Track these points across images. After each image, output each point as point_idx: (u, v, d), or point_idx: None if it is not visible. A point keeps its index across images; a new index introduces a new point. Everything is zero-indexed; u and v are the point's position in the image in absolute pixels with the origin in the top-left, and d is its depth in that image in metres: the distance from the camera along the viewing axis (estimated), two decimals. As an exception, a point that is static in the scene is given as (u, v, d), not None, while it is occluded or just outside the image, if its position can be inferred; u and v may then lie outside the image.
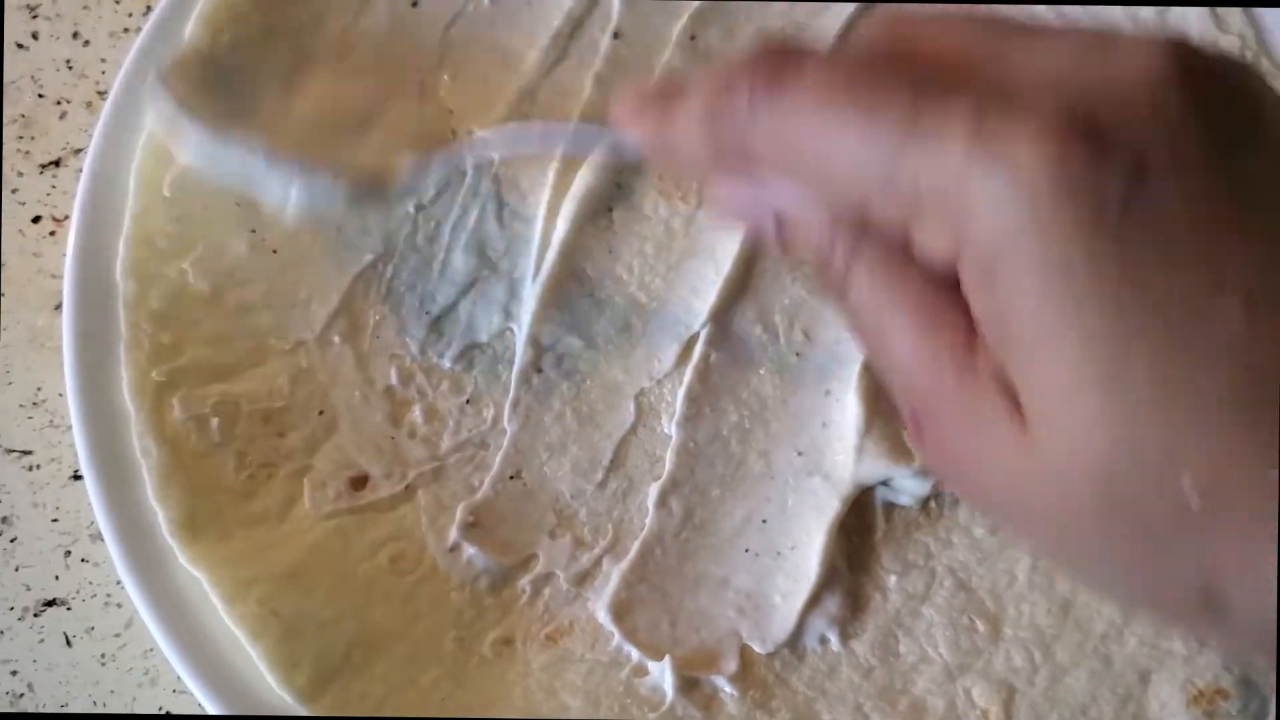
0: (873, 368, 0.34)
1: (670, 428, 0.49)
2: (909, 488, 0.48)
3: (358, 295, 0.50)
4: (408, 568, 0.46)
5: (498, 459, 0.48)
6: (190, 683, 0.43)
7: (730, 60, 0.32)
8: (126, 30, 0.56)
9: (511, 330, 0.50)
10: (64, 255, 0.48)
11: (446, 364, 0.50)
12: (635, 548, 0.47)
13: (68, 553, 0.49)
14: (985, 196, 0.28)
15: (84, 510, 0.48)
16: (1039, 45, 0.31)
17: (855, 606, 0.47)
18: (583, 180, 0.52)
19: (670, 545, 0.47)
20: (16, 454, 0.50)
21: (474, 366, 0.50)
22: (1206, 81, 0.29)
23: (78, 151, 0.54)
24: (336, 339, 0.50)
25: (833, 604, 0.46)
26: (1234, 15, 0.55)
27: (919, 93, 0.29)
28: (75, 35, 0.56)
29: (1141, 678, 0.45)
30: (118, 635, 0.48)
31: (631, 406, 0.49)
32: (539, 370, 0.49)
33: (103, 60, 0.56)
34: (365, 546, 0.46)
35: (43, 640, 0.48)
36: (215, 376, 0.48)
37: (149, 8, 0.56)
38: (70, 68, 0.56)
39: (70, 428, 0.46)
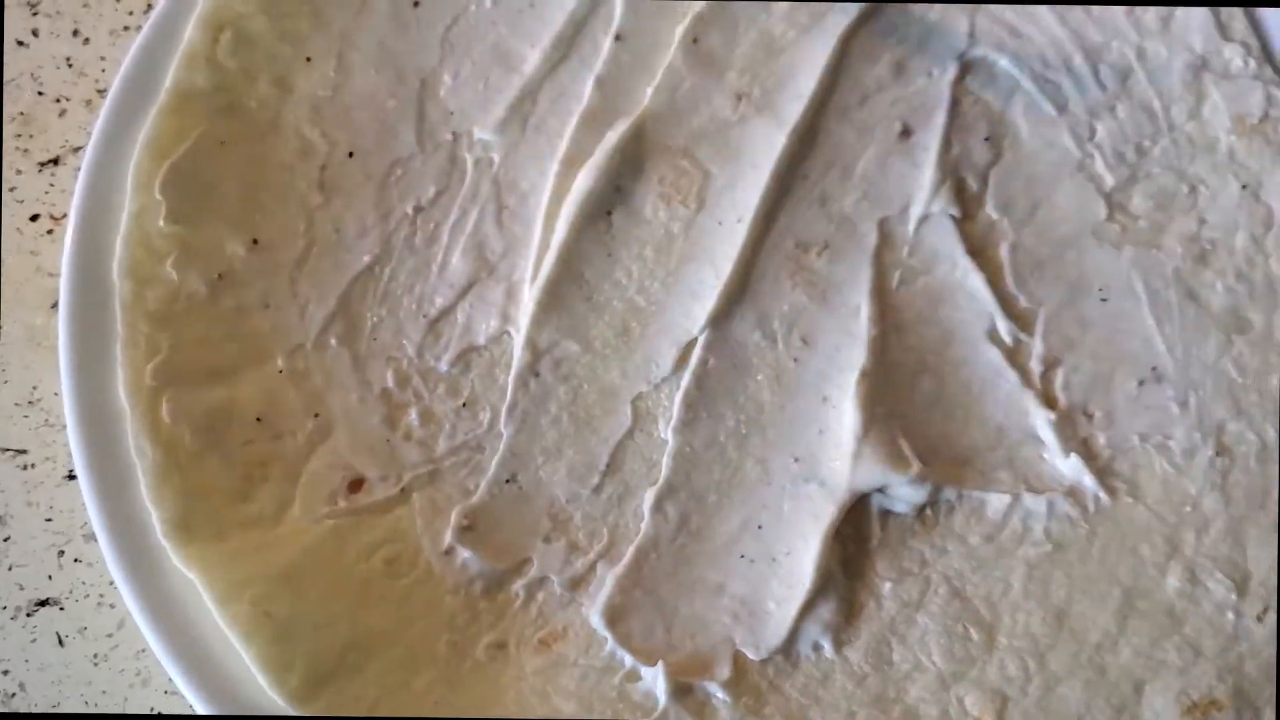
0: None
1: (667, 433, 0.49)
2: (905, 495, 0.48)
3: (355, 297, 0.50)
4: (402, 571, 0.46)
5: (494, 463, 0.48)
6: (181, 684, 0.43)
7: None
8: (127, 28, 0.56)
9: (509, 334, 0.50)
10: (62, 254, 0.48)
11: (444, 367, 0.49)
12: (630, 553, 0.47)
13: (61, 553, 0.49)
14: None
15: (78, 510, 0.48)
16: None
17: (849, 613, 0.47)
18: (582, 183, 0.51)
19: (665, 551, 0.47)
20: (11, 453, 0.50)
21: (471, 370, 0.50)
22: None
23: (77, 150, 0.54)
24: (333, 341, 0.49)
25: (827, 611, 0.46)
26: (1237, 22, 0.54)
27: None
28: (75, 33, 0.56)
29: (1136, 688, 0.45)
30: (110, 635, 0.48)
31: (628, 411, 0.49)
32: (536, 374, 0.49)
33: (102, 58, 0.56)
34: (360, 549, 0.46)
35: (35, 640, 0.48)
36: (211, 378, 0.48)
37: (149, 6, 0.56)
38: (70, 65, 0.56)
39: (65, 427, 0.46)
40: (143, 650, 0.47)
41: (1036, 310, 0.51)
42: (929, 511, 0.48)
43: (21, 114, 0.54)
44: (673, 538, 0.48)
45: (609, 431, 0.49)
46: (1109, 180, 0.53)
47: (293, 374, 0.49)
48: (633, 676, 0.45)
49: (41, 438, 0.50)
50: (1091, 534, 0.47)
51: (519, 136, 0.53)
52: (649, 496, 0.48)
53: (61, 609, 0.48)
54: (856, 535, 0.48)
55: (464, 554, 0.47)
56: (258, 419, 0.48)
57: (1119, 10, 0.54)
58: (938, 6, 0.55)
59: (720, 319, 0.50)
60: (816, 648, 0.46)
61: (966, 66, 0.54)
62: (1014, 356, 0.50)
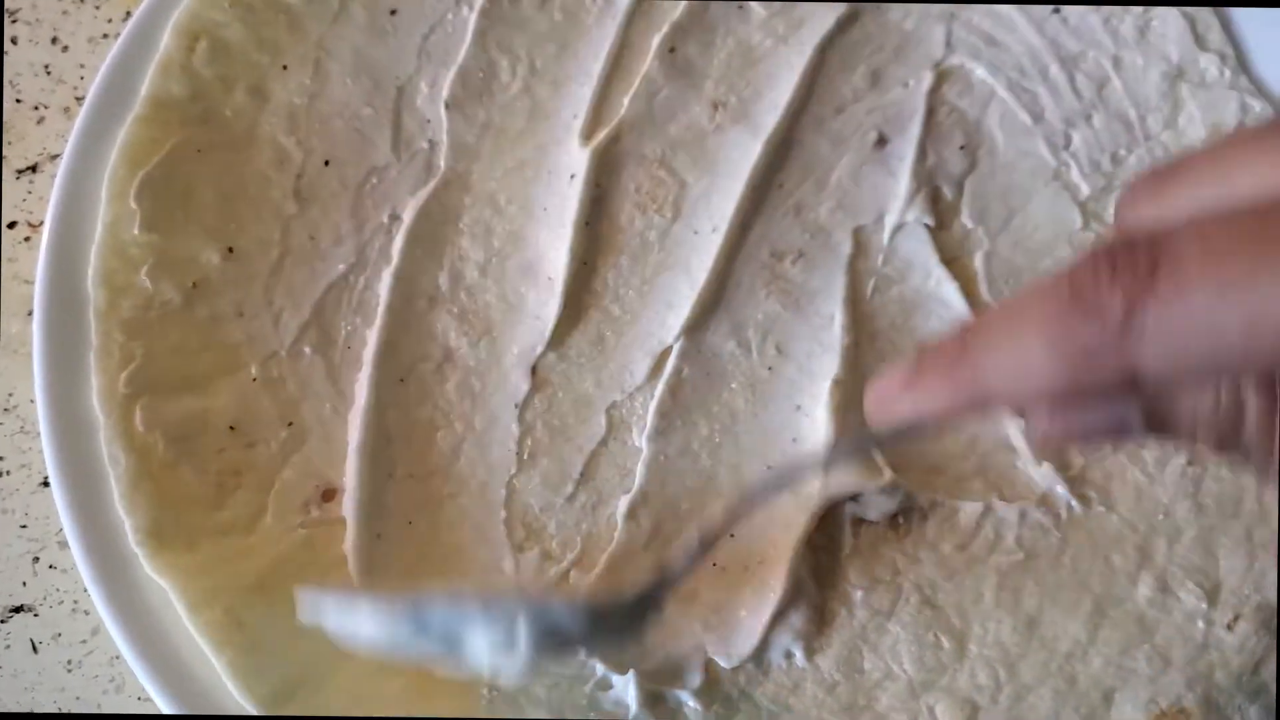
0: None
1: (641, 441, 0.49)
2: (877, 503, 0.48)
3: (329, 306, 0.50)
4: (374, 580, 0.46)
5: (470, 471, 0.48)
6: (152, 691, 0.43)
7: (1042, 282, 0.27)
8: (106, 36, 0.56)
9: (485, 341, 0.50)
10: (38, 261, 0.48)
11: (416, 373, 0.49)
12: (603, 561, 0.47)
13: (36, 559, 0.49)
14: None
15: (53, 517, 0.48)
16: None
17: (821, 622, 0.47)
18: (557, 193, 0.52)
19: (638, 559, 0.47)
20: (-14, 460, 0.50)
21: (447, 378, 0.50)
22: None
23: (54, 157, 0.54)
24: (307, 350, 0.50)
25: (798, 619, 0.46)
26: (1213, 32, 0.55)
27: None
28: (54, 40, 0.56)
29: (1105, 697, 0.45)
30: (84, 642, 0.48)
31: (603, 420, 0.49)
32: (508, 382, 0.49)
33: (81, 65, 0.56)
34: (334, 558, 0.46)
35: (9, 646, 0.48)
36: (185, 386, 0.48)
37: (129, 13, 0.56)
38: (49, 73, 0.56)
39: (40, 434, 0.46)
40: (117, 657, 0.47)
41: (1010, 319, 0.51)
42: (901, 520, 0.48)
43: (-1, 121, 0.55)
44: (645, 546, 0.48)
45: (583, 440, 0.49)
46: (1084, 189, 0.53)
47: (266, 382, 0.49)
48: (604, 685, 0.45)
49: (16, 444, 0.50)
50: (1063, 543, 0.48)
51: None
52: (622, 504, 0.48)
53: (36, 615, 0.49)
54: (829, 544, 0.48)
55: (435, 564, 0.47)
56: (231, 427, 0.48)
57: (1096, 19, 0.54)
58: (914, 14, 0.55)
59: (695, 328, 0.51)
60: (788, 656, 0.46)
61: (942, 75, 0.54)
62: (987, 365, 0.50)
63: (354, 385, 0.49)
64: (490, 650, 0.36)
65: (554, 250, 0.51)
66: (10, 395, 0.51)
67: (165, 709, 0.43)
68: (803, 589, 0.47)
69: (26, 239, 0.53)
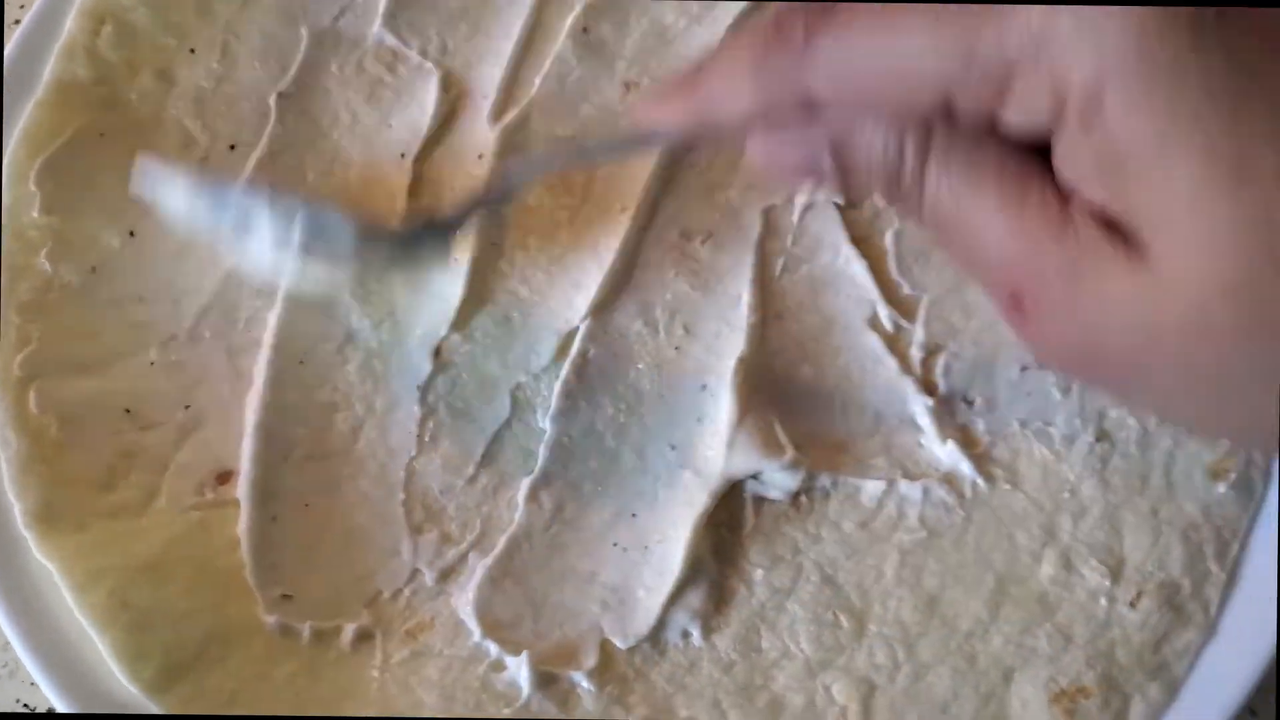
0: (960, 266, 0.35)
1: (545, 422, 0.48)
2: (779, 481, 0.47)
3: (230, 289, 0.50)
4: (269, 561, 0.46)
5: (369, 453, 0.48)
6: (35, 674, 0.43)
7: (757, 23, 0.33)
8: (18, 21, 0.56)
9: (387, 323, 0.50)
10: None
11: (318, 355, 0.49)
12: (502, 543, 0.47)
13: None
14: (1083, 38, 0.28)
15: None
16: None
17: (720, 601, 0.46)
18: (465, 173, 0.51)
19: (538, 540, 0.47)
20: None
21: (348, 361, 0.49)
22: None
23: (-40, 143, 0.54)
24: (207, 334, 0.49)
25: (696, 598, 0.46)
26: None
27: None
28: (-34, 27, 0.56)
29: (1005, 676, 0.45)
30: (-24, 629, 0.48)
31: (507, 401, 0.49)
32: (409, 363, 0.49)
33: (-8, 52, 0.55)
34: (227, 541, 0.46)
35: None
36: (81, 369, 0.48)
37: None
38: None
39: (-70, 419, 0.46)
40: (8, 642, 0.46)
41: (920, 297, 0.50)
42: (804, 498, 0.48)
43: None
44: (546, 527, 0.47)
45: (486, 421, 0.49)
46: (997, 167, 0.52)
47: (165, 366, 0.49)
48: (497, 666, 0.45)
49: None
50: (967, 521, 0.47)
51: (404, 127, 0.53)
52: (524, 486, 0.48)
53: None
54: (730, 522, 0.47)
55: (332, 546, 0.46)
56: (127, 410, 0.47)
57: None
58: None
59: (603, 308, 0.50)
60: (685, 635, 0.46)
61: (856, 54, 0.53)
62: (894, 343, 0.50)
63: (253, 368, 0.49)
64: (269, 242, 0.41)
65: (460, 231, 0.50)
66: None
67: (47, 692, 0.43)
68: (702, 568, 0.46)
69: (-68, 225, 0.53)
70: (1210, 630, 0.45)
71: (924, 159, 0.33)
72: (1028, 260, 0.32)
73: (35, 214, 0.49)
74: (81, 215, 0.50)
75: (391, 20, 0.54)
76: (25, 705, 0.48)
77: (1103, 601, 0.46)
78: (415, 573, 0.47)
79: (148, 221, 0.50)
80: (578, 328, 0.49)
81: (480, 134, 0.52)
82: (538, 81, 0.53)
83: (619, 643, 0.45)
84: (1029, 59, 0.29)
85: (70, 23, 0.52)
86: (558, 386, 0.49)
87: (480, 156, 0.52)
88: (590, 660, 0.45)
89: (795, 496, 0.47)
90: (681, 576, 0.46)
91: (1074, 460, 0.47)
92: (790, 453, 0.47)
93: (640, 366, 0.50)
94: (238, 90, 0.53)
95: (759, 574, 0.47)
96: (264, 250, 0.41)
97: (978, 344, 0.49)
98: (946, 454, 0.48)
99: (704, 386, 0.49)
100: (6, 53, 0.51)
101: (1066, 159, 0.31)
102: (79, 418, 0.47)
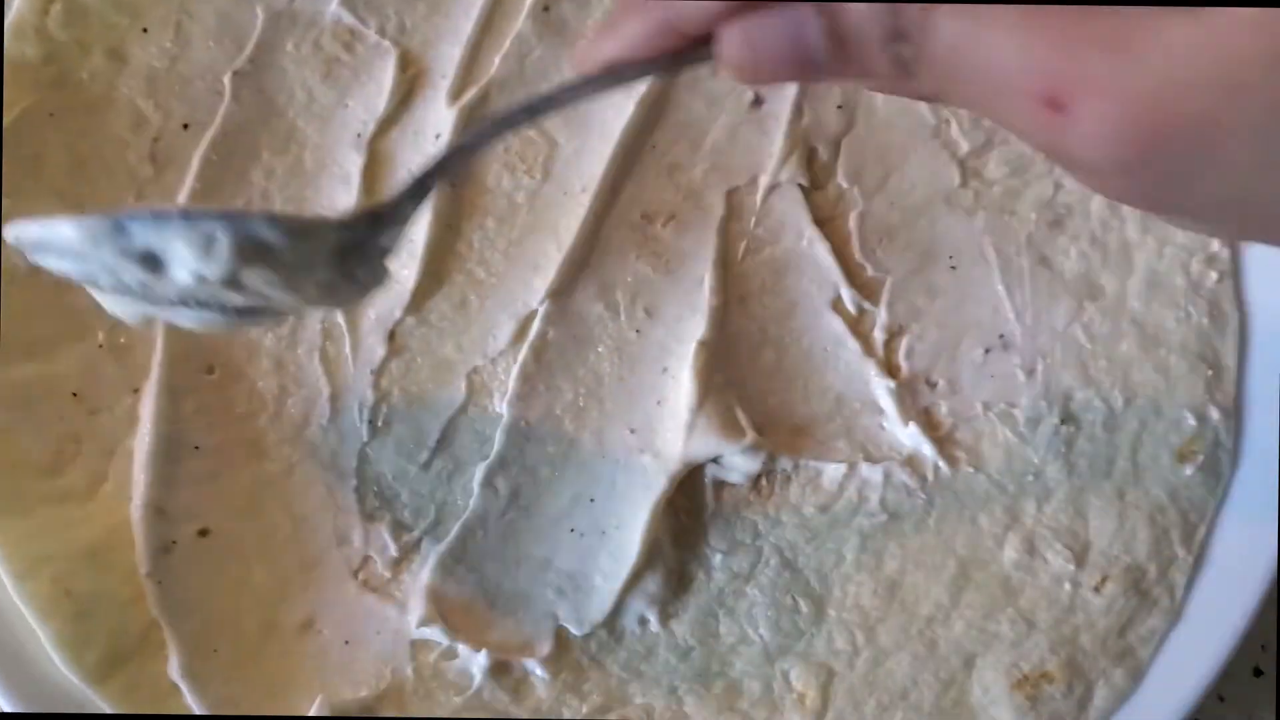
0: (978, 108, 0.31)
1: (502, 406, 0.48)
2: (739, 465, 0.46)
3: (181, 269, 0.49)
4: (214, 545, 0.45)
5: (321, 438, 0.47)
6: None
7: None
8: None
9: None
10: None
11: (269, 341, 0.48)
12: (455, 529, 0.46)
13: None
14: None
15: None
16: None
17: (678, 586, 0.46)
18: (422, 153, 0.50)
19: (493, 526, 0.46)
20: None
21: (299, 345, 0.48)
22: None
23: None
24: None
25: (654, 584, 0.45)
26: None
27: None
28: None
29: (966, 662, 0.44)
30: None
31: (463, 385, 0.48)
32: (362, 346, 0.48)
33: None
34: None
35: None
36: (27, 353, 0.47)
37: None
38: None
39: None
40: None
41: (883, 279, 0.50)
42: (764, 482, 0.47)
43: None
44: (502, 513, 0.46)
45: (441, 406, 0.48)
46: (964, 146, 0.51)
47: (113, 349, 0.48)
48: (449, 654, 0.44)
49: None
50: (929, 504, 0.46)
51: (361, 107, 0.52)
52: (479, 472, 0.47)
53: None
54: (690, 507, 0.47)
55: (283, 533, 0.45)
56: (74, 394, 0.46)
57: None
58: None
59: (562, 291, 0.49)
60: (642, 622, 0.45)
61: (822, 34, 0.53)
62: (857, 326, 0.49)
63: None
64: (193, 260, 0.33)
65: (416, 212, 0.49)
66: None
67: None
68: (660, 553, 0.45)
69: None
70: (1176, 615, 0.45)
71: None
72: (1061, 48, 0.28)
73: (-19, 194, 0.48)
74: (28, 196, 0.48)
75: (349, -1, 0.53)
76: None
77: (1067, 586, 0.45)
78: (367, 560, 0.46)
79: (98, 201, 0.49)
80: (536, 310, 0.49)
81: (438, 114, 0.51)
82: (497, 61, 0.52)
83: (574, 630, 0.44)
84: None
85: (18, 1, 0.51)
86: (515, 370, 0.48)
87: (438, 136, 0.51)
88: (545, 648, 0.44)
89: (756, 480, 0.47)
90: (639, 562, 0.45)
91: (1038, 443, 0.47)
92: (751, 436, 0.46)
93: (600, 350, 0.49)
94: (191, 70, 0.52)
95: (718, 559, 0.46)
96: (183, 269, 0.33)
97: (941, 326, 0.49)
98: (909, 437, 0.47)
99: (665, 369, 0.48)
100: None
101: None
102: (25, 401, 0.46)
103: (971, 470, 0.46)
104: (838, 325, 0.49)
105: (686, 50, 0.33)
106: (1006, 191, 0.51)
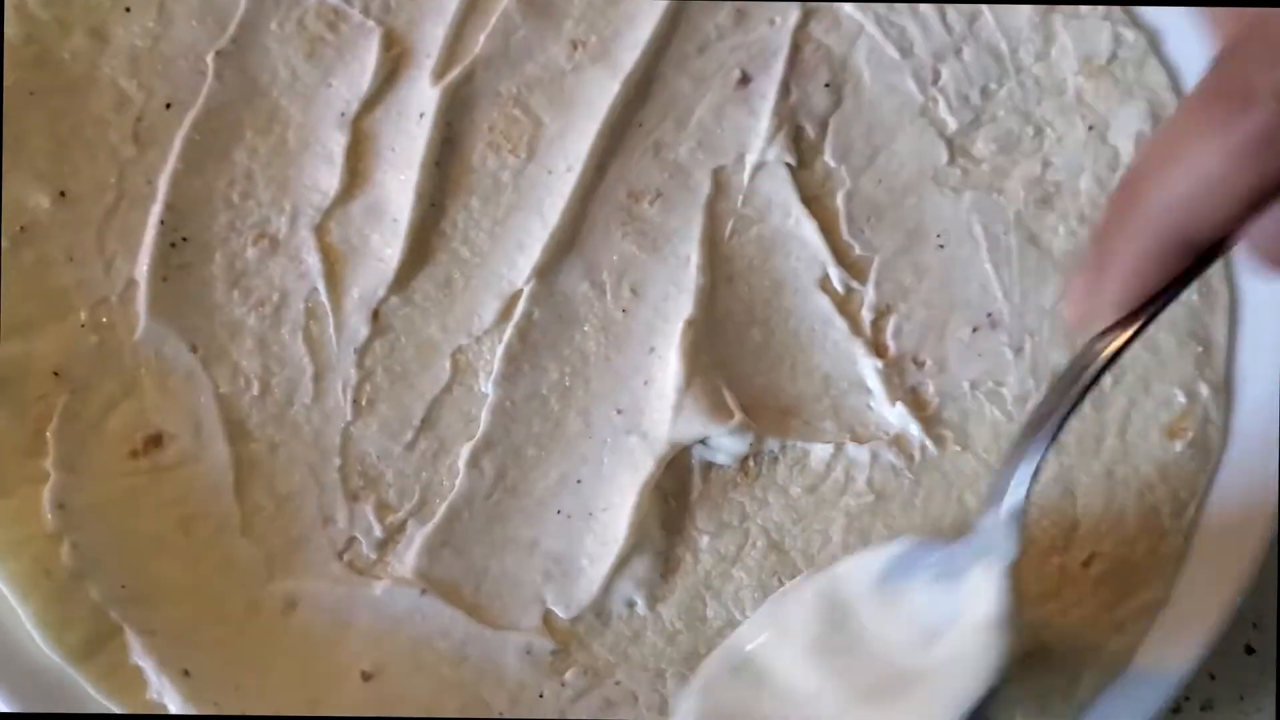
0: None
1: (487, 386, 0.47)
2: (726, 446, 0.46)
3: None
4: (198, 528, 0.45)
5: (304, 418, 0.47)
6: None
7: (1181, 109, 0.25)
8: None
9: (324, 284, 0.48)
10: None
11: (253, 320, 0.48)
12: (442, 510, 0.46)
13: None
14: None
15: None
16: None
17: (666, 569, 0.45)
18: (405, 133, 0.50)
19: (479, 507, 0.46)
20: None
21: (283, 324, 0.48)
22: None
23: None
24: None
25: (641, 567, 0.45)
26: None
27: None
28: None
29: (952, 639, 0.44)
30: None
31: (447, 365, 0.48)
32: (347, 327, 0.48)
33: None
34: (155, 506, 0.45)
35: None
36: (8, 332, 0.46)
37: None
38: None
39: None
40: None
41: (871, 258, 0.49)
42: (751, 463, 0.47)
43: None
44: (488, 494, 0.46)
45: (426, 386, 0.48)
46: (952, 124, 0.51)
47: (96, 328, 0.47)
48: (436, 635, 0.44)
49: None
50: (915, 484, 0.46)
51: (344, 86, 0.51)
52: (465, 452, 0.46)
53: None
54: (677, 489, 0.46)
55: (267, 511, 0.45)
56: (55, 373, 0.46)
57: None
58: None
59: (547, 270, 0.49)
60: (630, 605, 0.45)
61: (809, 12, 0.52)
62: (845, 305, 0.49)
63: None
64: None
65: (400, 191, 0.49)
66: None
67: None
68: (648, 536, 0.45)
69: None
70: (1165, 592, 0.44)
71: None
72: None
73: (-40, 175, 0.47)
74: (9, 176, 0.48)
75: (332, -23, 0.52)
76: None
77: (1055, 562, 0.44)
78: (352, 540, 0.45)
79: (79, 181, 0.48)
80: (521, 290, 0.48)
81: (422, 93, 0.51)
82: (482, 40, 0.52)
83: (561, 612, 0.44)
84: None
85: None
86: (500, 350, 0.47)
87: (421, 116, 0.50)
88: (532, 631, 0.44)
89: (743, 462, 0.46)
90: (626, 545, 0.45)
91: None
92: (738, 416, 0.46)
93: (586, 329, 0.48)
94: (174, 49, 0.51)
95: (705, 541, 0.46)
96: None
97: (929, 305, 0.48)
98: (896, 416, 0.46)
99: (651, 349, 0.48)
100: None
101: None
102: (5, 380, 0.45)
103: (958, 449, 0.46)
104: (825, 305, 0.48)
105: (1201, 265, 0.30)
106: (995, 169, 0.50)
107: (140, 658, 0.42)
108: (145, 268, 0.48)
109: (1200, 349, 0.47)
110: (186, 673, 0.42)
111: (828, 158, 0.51)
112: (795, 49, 0.52)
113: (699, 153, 0.51)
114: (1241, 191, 0.25)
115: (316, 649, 0.43)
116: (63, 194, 0.48)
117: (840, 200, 0.50)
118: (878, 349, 0.48)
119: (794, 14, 0.52)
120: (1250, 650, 0.49)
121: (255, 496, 0.46)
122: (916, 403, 0.47)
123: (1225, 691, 0.48)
